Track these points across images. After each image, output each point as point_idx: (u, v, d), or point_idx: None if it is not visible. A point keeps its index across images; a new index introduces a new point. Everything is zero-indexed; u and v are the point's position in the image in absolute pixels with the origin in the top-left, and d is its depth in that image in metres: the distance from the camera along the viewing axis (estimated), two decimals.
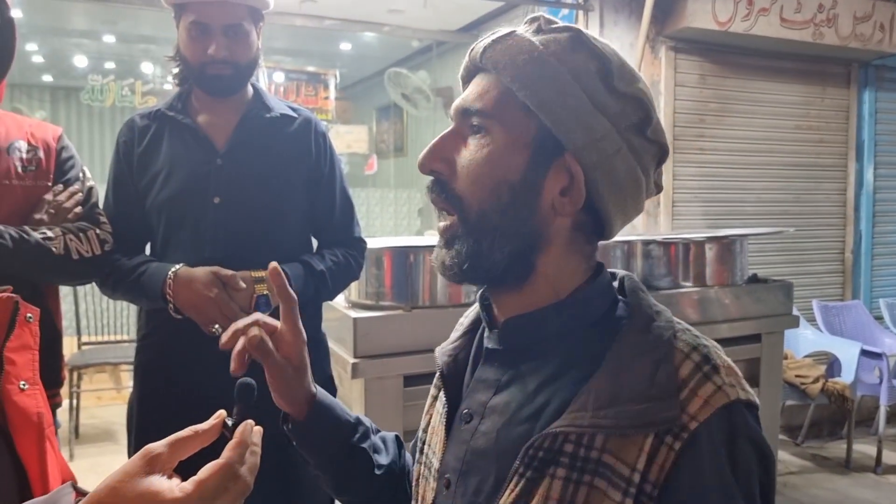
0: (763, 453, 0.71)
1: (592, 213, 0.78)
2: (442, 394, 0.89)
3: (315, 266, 1.73)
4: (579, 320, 0.79)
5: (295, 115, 1.80)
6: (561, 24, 0.78)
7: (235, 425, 0.77)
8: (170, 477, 0.68)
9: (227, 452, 0.72)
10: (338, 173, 1.85)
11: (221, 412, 0.79)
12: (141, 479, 0.66)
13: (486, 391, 0.82)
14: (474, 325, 0.93)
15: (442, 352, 0.93)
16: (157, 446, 0.69)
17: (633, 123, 0.76)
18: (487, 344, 0.85)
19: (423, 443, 0.93)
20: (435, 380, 0.96)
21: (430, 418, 0.94)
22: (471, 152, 0.78)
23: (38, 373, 1.07)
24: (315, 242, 1.89)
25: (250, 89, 1.79)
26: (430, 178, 0.82)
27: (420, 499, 0.89)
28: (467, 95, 0.80)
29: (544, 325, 0.79)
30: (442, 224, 0.81)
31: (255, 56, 1.73)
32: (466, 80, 0.84)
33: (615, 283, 0.84)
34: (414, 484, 0.93)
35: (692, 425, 0.66)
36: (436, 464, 0.86)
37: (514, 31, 0.78)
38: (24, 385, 1.02)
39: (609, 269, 0.85)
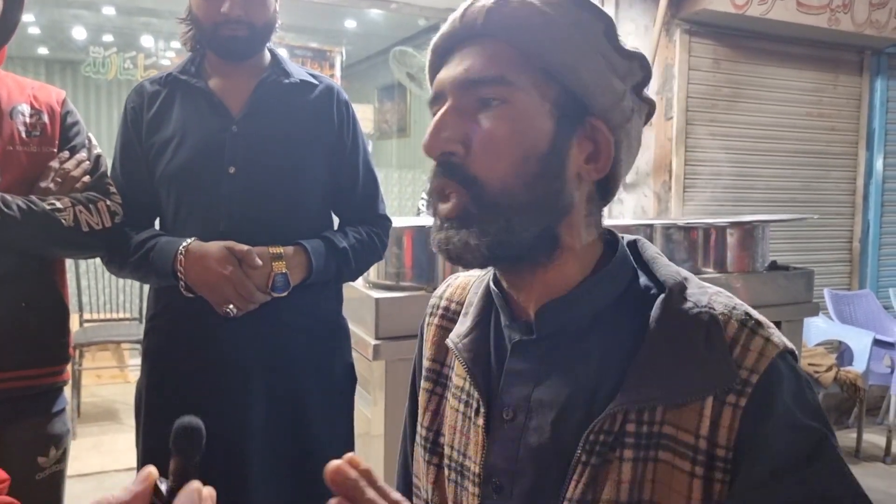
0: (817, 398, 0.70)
1: (604, 178, 0.76)
2: (473, 390, 0.80)
3: (337, 243, 1.62)
4: (608, 296, 0.75)
5: (316, 82, 1.68)
6: None
7: (172, 491, 0.53)
8: None
9: None
10: (361, 146, 1.73)
11: (150, 471, 0.53)
12: None
13: (523, 385, 0.75)
14: (484, 313, 0.84)
15: (460, 346, 0.83)
16: None
17: (638, 83, 0.75)
18: (514, 335, 0.78)
19: (433, 442, 0.85)
20: (426, 371, 0.89)
21: (434, 415, 0.87)
22: (491, 127, 0.71)
23: None
24: (336, 219, 1.78)
25: (267, 54, 1.68)
26: (436, 162, 0.73)
27: None
28: (470, 66, 0.72)
29: (579, 306, 0.74)
30: (447, 206, 0.72)
31: (272, 18, 1.61)
32: (448, 50, 0.76)
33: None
34: (430, 486, 0.84)
35: (753, 378, 0.65)
36: (474, 468, 0.77)
37: None
38: None
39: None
